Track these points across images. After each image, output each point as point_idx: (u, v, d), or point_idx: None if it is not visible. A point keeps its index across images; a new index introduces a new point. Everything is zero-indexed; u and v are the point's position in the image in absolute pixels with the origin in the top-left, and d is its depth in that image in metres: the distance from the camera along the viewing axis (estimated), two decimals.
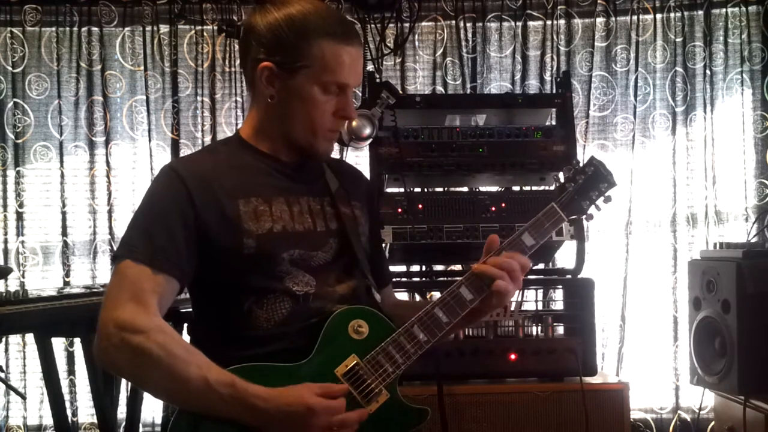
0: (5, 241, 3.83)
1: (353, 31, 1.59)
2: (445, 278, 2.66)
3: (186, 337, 1.69)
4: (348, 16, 3.86)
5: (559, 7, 3.85)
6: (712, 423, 3.17)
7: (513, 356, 2.41)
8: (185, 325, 2.70)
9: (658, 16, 3.86)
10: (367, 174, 2.55)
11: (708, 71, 3.84)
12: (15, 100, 3.84)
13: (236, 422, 1.40)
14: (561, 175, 1.72)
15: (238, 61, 3.72)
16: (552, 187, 2.59)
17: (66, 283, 3.80)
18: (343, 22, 1.60)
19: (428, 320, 1.55)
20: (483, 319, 1.65)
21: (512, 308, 2.44)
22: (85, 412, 3.78)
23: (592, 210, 1.69)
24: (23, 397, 3.69)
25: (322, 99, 1.56)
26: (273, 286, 1.53)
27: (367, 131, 2.31)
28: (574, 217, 1.67)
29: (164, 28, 3.86)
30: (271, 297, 1.53)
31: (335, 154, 3.71)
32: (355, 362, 1.51)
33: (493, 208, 2.50)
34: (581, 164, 1.70)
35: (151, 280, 1.45)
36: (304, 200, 1.62)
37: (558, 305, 2.52)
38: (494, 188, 2.77)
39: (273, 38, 1.54)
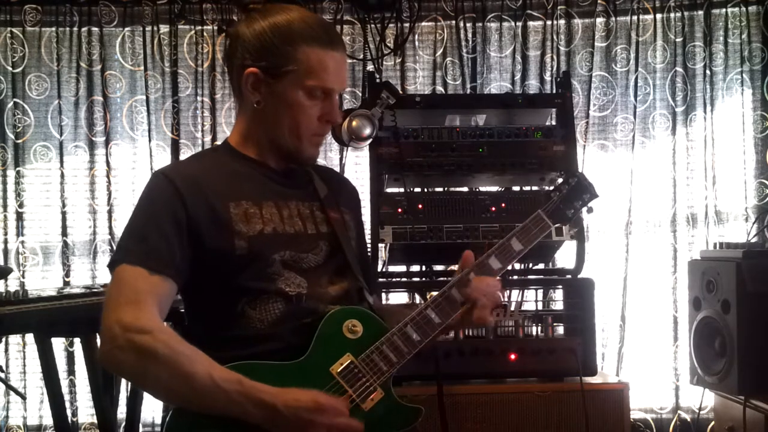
0: (5, 241, 3.83)
1: (337, 37, 1.63)
2: (445, 278, 2.66)
3: None
4: (348, 16, 3.86)
5: (559, 7, 3.85)
6: (712, 423, 3.17)
7: (513, 356, 2.42)
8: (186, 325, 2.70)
9: (658, 16, 3.86)
10: (366, 174, 2.57)
11: (708, 71, 3.84)
12: (15, 100, 3.83)
13: (236, 420, 1.41)
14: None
15: None
16: (552, 187, 2.59)
17: (66, 283, 3.80)
18: (327, 28, 1.62)
19: (421, 321, 1.58)
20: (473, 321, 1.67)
21: (512, 308, 2.44)
22: (85, 412, 3.78)
23: (575, 218, 1.82)
24: (23, 397, 3.69)
25: (308, 103, 1.58)
26: (265, 287, 1.54)
27: (367, 131, 2.31)
28: (558, 224, 1.78)
29: (164, 28, 3.86)
30: (264, 298, 1.54)
31: (335, 154, 3.75)
32: (350, 361, 1.53)
33: (493, 208, 2.50)
34: (566, 176, 1.82)
35: (147, 282, 1.47)
36: (293, 204, 1.64)
37: (558, 305, 2.52)
38: (494, 188, 2.77)
39: (258, 44, 1.57)
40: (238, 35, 1.60)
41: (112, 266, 1.51)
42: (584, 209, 1.80)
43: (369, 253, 2.14)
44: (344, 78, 1.64)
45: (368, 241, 2.08)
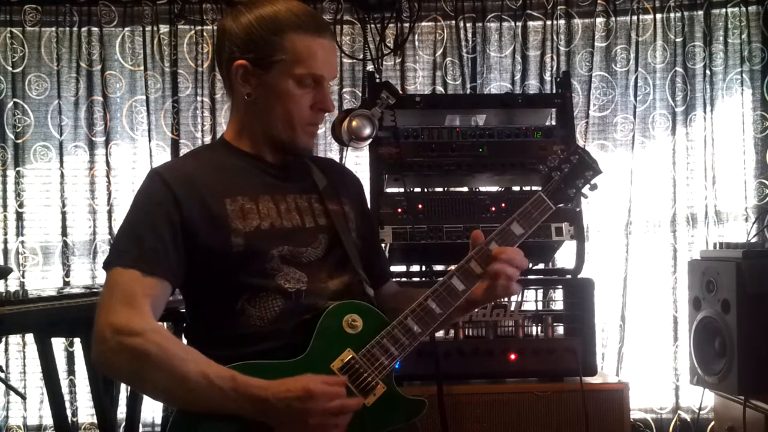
0: (5, 241, 3.83)
1: (324, 24, 1.62)
2: None
3: (183, 338, 1.68)
4: (348, 16, 3.86)
5: (559, 7, 3.85)
6: (712, 423, 3.17)
7: (513, 356, 2.42)
8: (185, 325, 2.70)
9: (658, 16, 3.86)
10: (366, 174, 2.57)
11: (708, 71, 3.84)
12: (15, 100, 3.84)
13: (237, 416, 1.41)
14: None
15: None
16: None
17: (66, 283, 3.80)
18: (313, 15, 1.61)
19: (421, 312, 1.56)
20: (477, 308, 1.66)
21: (512, 308, 2.44)
22: (85, 412, 3.78)
23: (579, 198, 1.71)
24: (23, 397, 3.69)
25: (299, 92, 1.57)
26: (264, 284, 1.53)
27: (367, 131, 2.31)
28: (561, 205, 1.69)
29: (164, 28, 3.86)
30: (263, 295, 1.53)
31: (335, 154, 3.75)
32: (350, 356, 1.52)
33: (493, 208, 2.50)
34: (566, 153, 1.72)
35: (141, 284, 1.46)
36: (290, 198, 1.63)
37: (558, 305, 2.52)
38: (494, 188, 2.77)
39: (245, 36, 1.56)
40: (225, 29, 1.60)
41: (106, 267, 1.50)
42: (587, 187, 1.70)
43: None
44: (334, 65, 1.63)
45: None
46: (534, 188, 2.70)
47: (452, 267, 1.63)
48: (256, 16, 1.56)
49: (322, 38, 1.57)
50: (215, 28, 3.80)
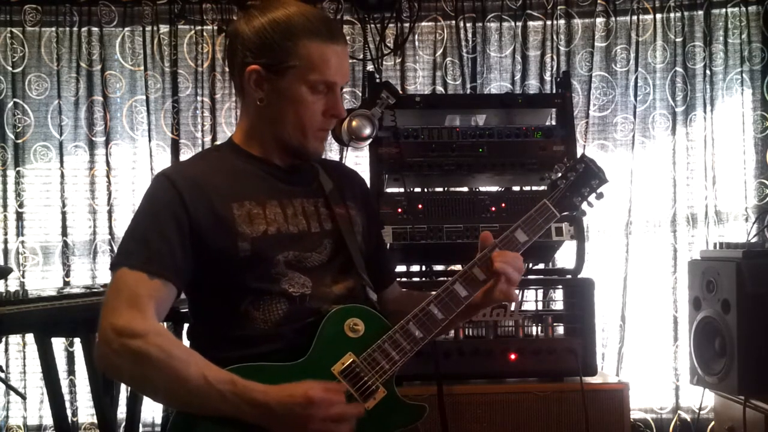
0: (5, 241, 3.83)
1: (338, 30, 1.61)
2: (445, 278, 2.66)
3: (185, 338, 1.69)
4: (348, 16, 3.86)
5: (559, 7, 3.85)
6: (712, 423, 3.18)
7: (513, 356, 2.42)
8: (185, 325, 2.70)
9: (658, 16, 3.86)
10: (366, 174, 2.57)
11: (708, 71, 3.84)
12: (15, 100, 3.84)
13: (236, 420, 1.41)
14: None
15: None
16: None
17: (66, 283, 3.80)
18: (327, 21, 1.61)
19: (423, 317, 1.56)
20: (479, 313, 1.67)
21: (512, 308, 2.44)
22: (85, 412, 3.78)
23: (584, 206, 1.71)
24: (23, 397, 3.69)
25: (311, 99, 1.57)
26: (269, 288, 1.54)
27: (367, 131, 2.31)
28: (566, 213, 1.69)
29: (164, 28, 3.86)
30: (267, 298, 1.54)
31: (335, 154, 3.75)
32: (351, 360, 1.52)
33: (493, 208, 2.50)
34: (572, 161, 1.72)
35: (147, 286, 1.46)
36: (297, 202, 1.63)
37: (558, 305, 2.52)
38: (494, 188, 2.77)
39: (259, 41, 1.55)
40: (238, 33, 1.59)
41: (112, 269, 1.51)
42: (593, 196, 1.70)
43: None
44: (347, 70, 1.62)
45: None
46: (534, 188, 2.71)
47: (453, 267, 1.63)
48: (269, 20, 1.55)
49: (335, 44, 1.57)
50: (215, 28, 3.81)
